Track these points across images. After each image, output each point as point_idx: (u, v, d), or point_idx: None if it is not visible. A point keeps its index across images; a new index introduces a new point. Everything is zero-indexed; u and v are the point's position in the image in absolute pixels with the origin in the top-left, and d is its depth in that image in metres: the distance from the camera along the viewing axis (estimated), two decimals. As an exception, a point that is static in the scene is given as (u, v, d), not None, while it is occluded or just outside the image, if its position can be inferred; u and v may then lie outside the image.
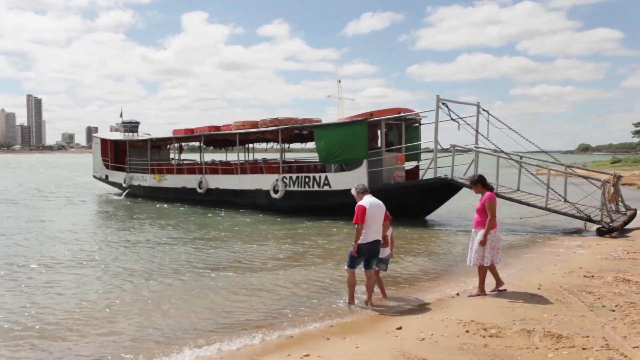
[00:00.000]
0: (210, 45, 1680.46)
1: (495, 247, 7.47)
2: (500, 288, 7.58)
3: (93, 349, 5.94)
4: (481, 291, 7.54)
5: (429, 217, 17.15)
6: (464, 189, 15.02)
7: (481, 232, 7.38)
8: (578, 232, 13.96)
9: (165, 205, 21.74)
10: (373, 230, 7.14)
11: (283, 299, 7.82)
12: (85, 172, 54.86)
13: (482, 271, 7.54)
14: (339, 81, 23.04)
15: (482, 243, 7.35)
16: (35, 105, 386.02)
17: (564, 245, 11.90)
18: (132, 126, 27.47)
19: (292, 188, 18.05)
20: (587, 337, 5.47)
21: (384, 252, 7.58)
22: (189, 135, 22.93)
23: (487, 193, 7.45)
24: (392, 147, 17.28)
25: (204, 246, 12.40)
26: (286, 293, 8.18)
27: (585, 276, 8.34)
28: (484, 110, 16.41)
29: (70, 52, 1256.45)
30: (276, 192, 18.29)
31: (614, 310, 6.47)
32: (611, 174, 14.47)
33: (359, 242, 7.07)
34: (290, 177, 18.15)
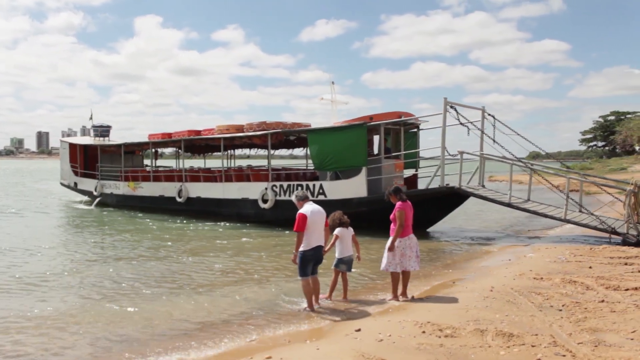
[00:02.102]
0: (164, 50, 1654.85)
1: (406, 254, 7.74)
2: (406, 297, 7.84)
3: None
4: (394, 296, 7.84)
5: (431, 229, 15.84)
6: (471, 199, 14.73)
7: (390, 239, 7.73)
8: (530, 237, 14.52)
9: (140, 215, 21.24)
10: (315, 237, 7.36)
11: (243, 306, 7.84)
12: (41, 178, 53.18)
13: (394, 277, 7.86)
14: (333, 83, 21.74)
15: (390, 249, 7.70)
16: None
17: (516, 250, 12.35)
18: (103, 130, 26.15)
19: (282, 197, 16.63)
20: (536, 335, 5.76)
21: (345, 253, 7.80)
22: (167, 140, 21.21)
23: (398, 203, 7.79)
24: (390, 154, 16.12)
25: (173, 257, 12.24)
26: (246, 300, 8.21)
27: (534, 278, 8.72)
28: (489, 115, 15.52)
29: (17, 53, 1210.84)
30: (265, 201, 16.93)
31: (561, 310, 6.82)
32: (632, 183, 12.90)
33: (304, 249, 7.28)
34: (281, 186, 16.81)
